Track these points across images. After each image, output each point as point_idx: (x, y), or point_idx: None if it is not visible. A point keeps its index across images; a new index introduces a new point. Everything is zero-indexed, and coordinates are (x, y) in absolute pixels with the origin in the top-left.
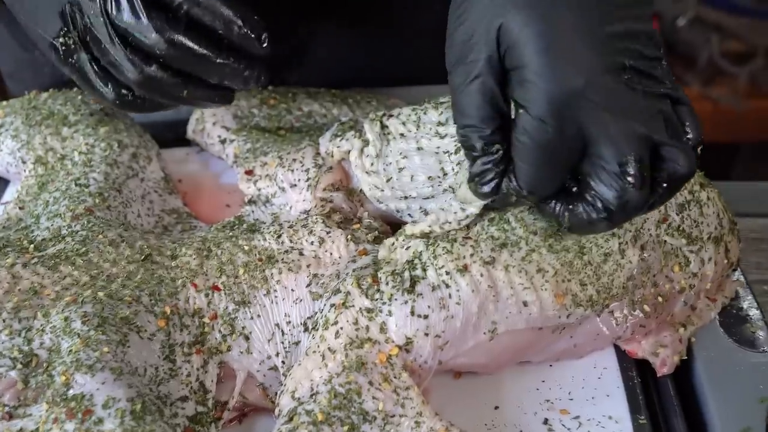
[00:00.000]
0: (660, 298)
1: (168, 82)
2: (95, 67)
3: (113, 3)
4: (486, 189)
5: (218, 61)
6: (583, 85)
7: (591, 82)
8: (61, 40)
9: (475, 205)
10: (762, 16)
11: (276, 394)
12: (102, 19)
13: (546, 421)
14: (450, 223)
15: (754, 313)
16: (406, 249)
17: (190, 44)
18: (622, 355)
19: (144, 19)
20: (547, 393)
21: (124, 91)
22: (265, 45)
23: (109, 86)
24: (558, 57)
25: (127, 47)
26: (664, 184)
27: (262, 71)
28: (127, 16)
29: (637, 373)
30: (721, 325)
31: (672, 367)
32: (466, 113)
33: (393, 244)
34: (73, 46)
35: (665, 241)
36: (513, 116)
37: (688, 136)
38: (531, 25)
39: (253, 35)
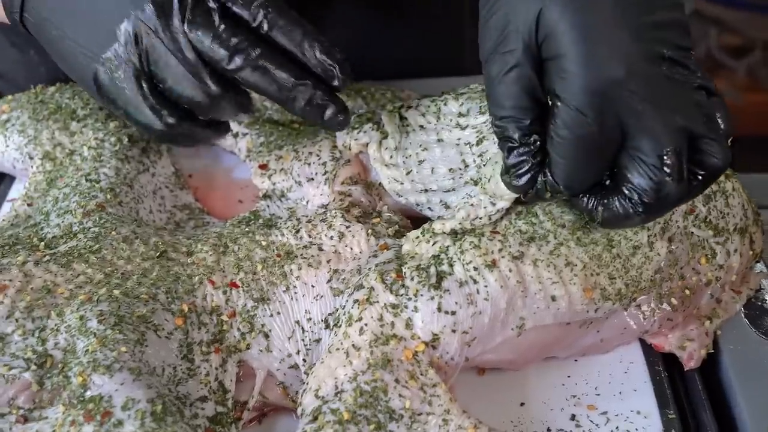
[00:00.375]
0: (687, 291)
1: (234, 102)
2: (146, 88)
3: (193, 14)
4: (521, 181)
5: (296, 82)
6: (624, 74)
7: (631, 72)
8: (109, 55)
9: (506, 199)
10: (760, 10)
11: (297, 393)
12: (181, 35)
13: (573, 417)
14: (480, 218)
15: None
16: (433, 244)
17: (269, 64)
18: (648, 349)
19: (226, 36)
20: (573, 388)
21: (171, 120)
22: (343, 76)
23: (162, 111)
24: (597, 46)
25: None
26: (700, 177)
27: (341, 108)
28: (203, 30)
29: (664, 368)
30: (747, 318)
31: (699, 360)
32: (503, 104)
33: (418, 237)
34: (127, 63)
35: (692, 232)
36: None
37: (722, 128)
38: (569, 14)
39: (335, 63)
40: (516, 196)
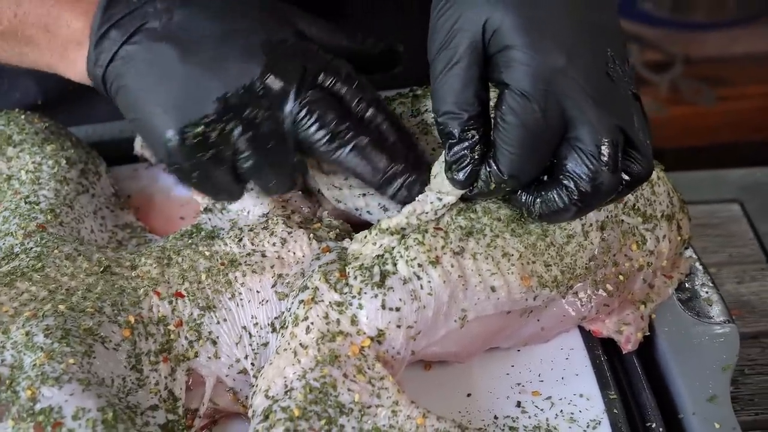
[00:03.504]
0: (621, 277)
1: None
2: (230, 164)
3: (304, 98)
4: (461, 176)
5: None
6: (566, 62)
7: (573, 61)
8: (198, 129)
9: (452, 194)
10: (677, 27)
11: (247, 398)
12: (289, 115)
13: (519, 404)
14: (427, 213)
15: (709, 288)
16: (379, 246)
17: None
18: (587, 336)
19: (330, 120)
20: (517, 377)
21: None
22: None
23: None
24: (542, 37)
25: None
26: (624, 181)
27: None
28: (311, 115)
29: (603, 352)
30: (679, 300)
31: (636, 343)
32: (445, 99)
33: (366, 236)
34: (215, 138)
35: (623, 220)
36: (495, 102)
37: (649, 140)
38: (517, 11)
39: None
40: (461, 191)
